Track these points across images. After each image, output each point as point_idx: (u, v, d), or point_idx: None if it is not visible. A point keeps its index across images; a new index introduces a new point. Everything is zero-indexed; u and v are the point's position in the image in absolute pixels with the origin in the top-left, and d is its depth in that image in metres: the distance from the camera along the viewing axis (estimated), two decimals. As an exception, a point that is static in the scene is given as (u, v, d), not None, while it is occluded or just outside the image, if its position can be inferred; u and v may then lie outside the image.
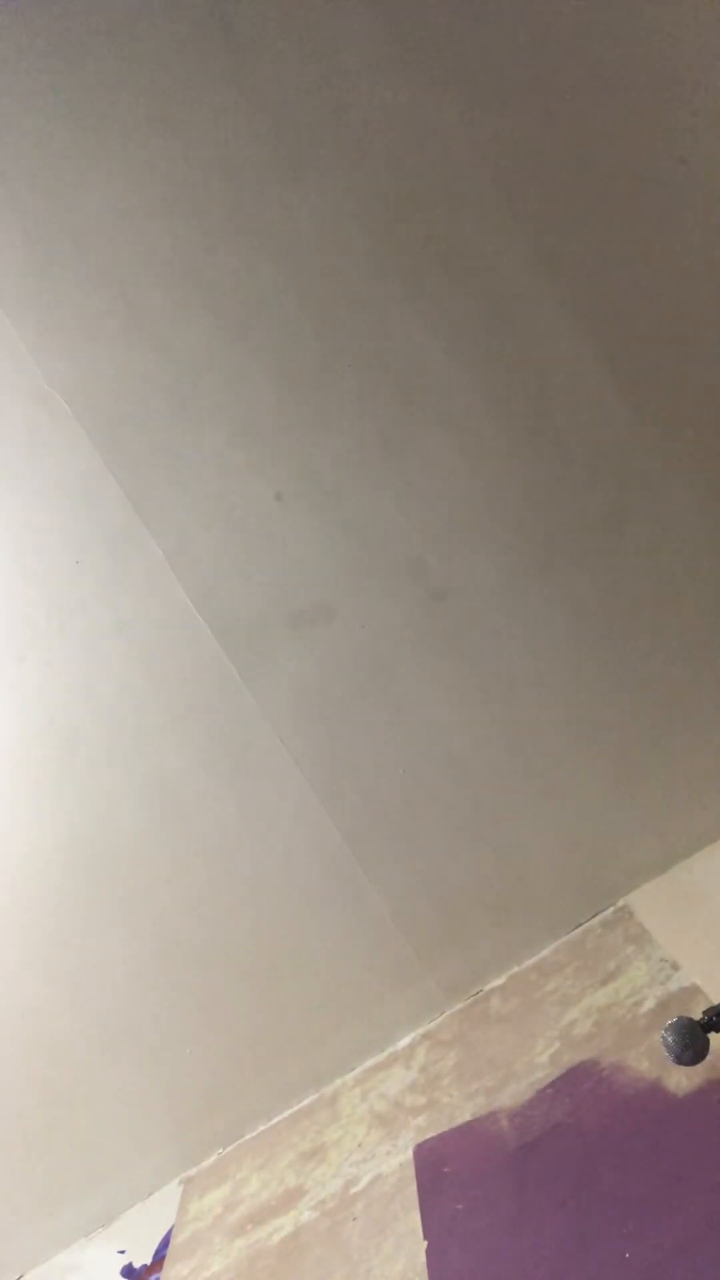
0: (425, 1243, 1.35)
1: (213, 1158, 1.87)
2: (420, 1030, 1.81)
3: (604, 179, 1.66)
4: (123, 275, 1.67)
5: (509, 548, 1.71)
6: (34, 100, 1.64)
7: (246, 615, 1.73)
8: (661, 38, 1.64)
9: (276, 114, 1.65)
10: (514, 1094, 1.50)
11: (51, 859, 1.79)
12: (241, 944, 1.80)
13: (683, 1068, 1.30)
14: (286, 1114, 1.85)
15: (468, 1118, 1.52)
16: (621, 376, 1.68)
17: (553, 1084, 1.46)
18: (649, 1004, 1.48)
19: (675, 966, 1.52)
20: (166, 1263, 1.67)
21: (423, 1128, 1.56)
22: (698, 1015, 1.31)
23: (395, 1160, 1.54)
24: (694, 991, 1.44)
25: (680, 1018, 1.28)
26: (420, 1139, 1.54)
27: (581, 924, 1.78)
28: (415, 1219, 1.40)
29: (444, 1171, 1.45)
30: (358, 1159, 1.60)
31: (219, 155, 1.66)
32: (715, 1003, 1.36)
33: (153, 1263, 1.70)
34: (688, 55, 1.65)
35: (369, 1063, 1.82)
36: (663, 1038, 1.28)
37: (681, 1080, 1.31)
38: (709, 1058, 1.27)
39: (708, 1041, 1.26)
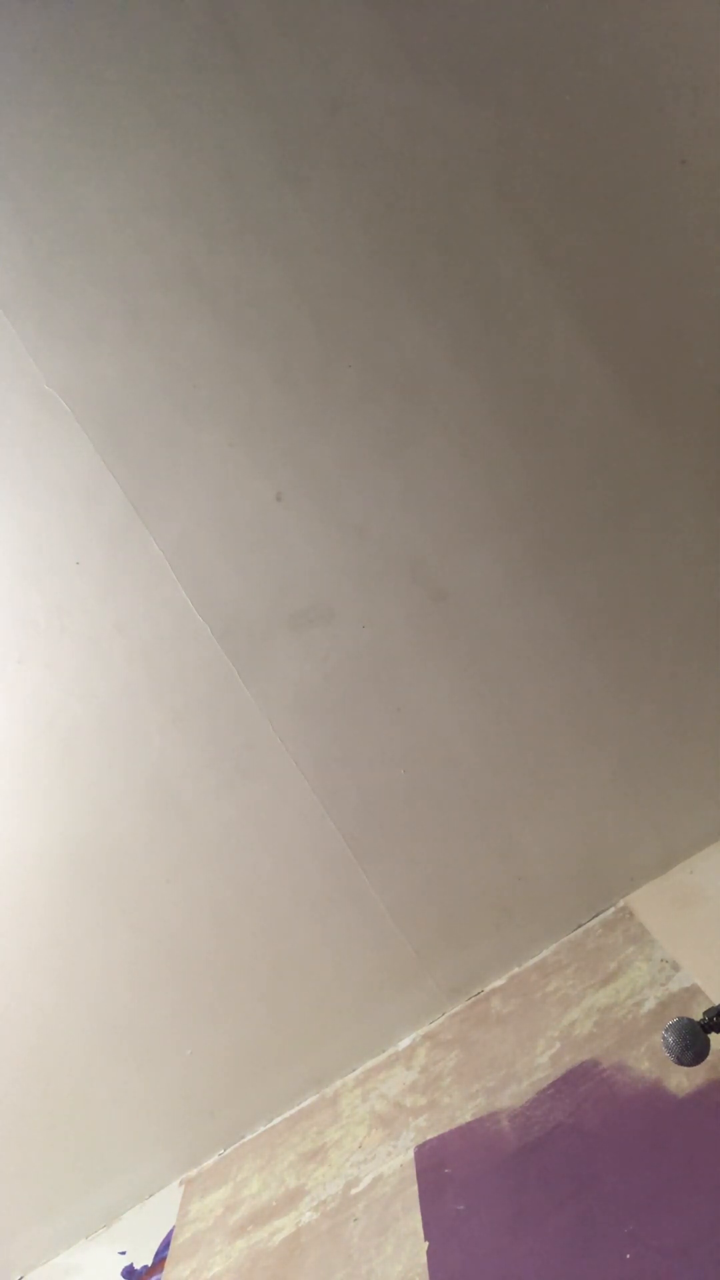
0: (426, 1243, 1.34)
1: (213, 1159, 1.87)
2: (421, 1031, 1.81)
3: (604, 179, 1.66)
4: (123, 275, 1.67)
5: (509, 548, 1.71)
6: (34, 101, 1.64)
7: (246, 615, 1.73)
8: (661, 38, 1.64)
9: (276, 114, 1.65)
10: (515, 1095, 1.50)
11: (51, 859, 1.79)
12: (242, 944, 1.80)
13: (683, 1068, 1.30)
14: (287, 1115, 1.84)
15: (468, 1118, 1.51)
16: (621, 376, 1.68)
17: (553, 1084, 1.46)
18: (649, 1004, 1.48)
19: (676, 967, 1.52)
20: (167, 1264, 1.67)
21: (423, 1128, 1.56)
22: (698, 1016, 1.31)
23: (396, 1161, 1.54)
24: (694, 992, 1.44)
25: (681, 1018, 1.28)
26: (421, 1140, 1.54)
27: (582, 924, 1.78)
28: (416, 1220, 1.40)
29: (445, 1172, 1.45)
30: (358, 1160, 1.60)
31: (219, 155, 1.66)
32: (716, 1003, 1.35)
33: (154, 1264, 1.69)
34: (687, 55, 1.65)
35: (370, 1063, 1.82)
36: (663, 1038, 1.28)
37: (682, 1081, 1.31)
38: (709, 1058, 1.27)
39: (708, 1042, 1.26)
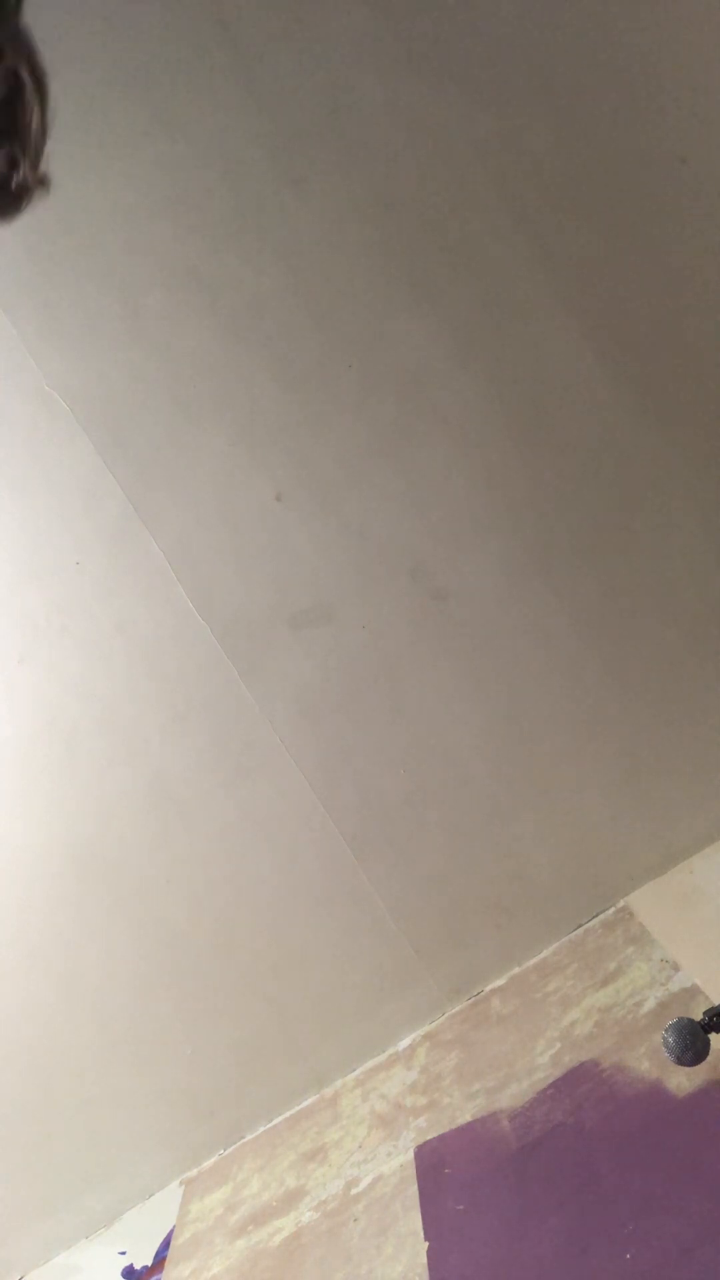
0: (426, 1244, 1.34)
1: (213, 1159, 1.86)
2: (421, 1031, 1.81)
3: (604, 179, 1.66)
4: (123, 275, 1.67)
5: (509, 548, 1.71)
6: (34, 100, 1.64)
7: (246, 615, 1.73)
8: (661, 38, 1.64)
9: (276, 114, 1.65)
10: (515, 1094, 1.50)
11: (51, 859, 1.79)
12: (241, 944, 1.80)
13: (683, 1068, 1.30)
14: (287, 1115, 1.84)
15: (468, 1118, 1.51)
16: (621, 376, 1.68)
17: (553, 1084, 1.46)
18: (650, 1004, 1.48)
19: (676, 967, 1.52)
20: (167, 1264, 1.67)
21: (423, 1128, 1.56)
22: (698, 1016, 1.31)
23: (396, 1161, 1.54)
24: (694, 992, 1.44)
25: (681, 1018, 1.27)
26: (421, 1140, 1.54)
27: (582, 924, 1.78)
28: (416, 1220, 1.40)
29: (445, 1172, 1.45)
30: (358, 1160, 1.60)
31: (219, 155, 1.66)
32: (716, 1003, 1.35)
33: (154, 1264, 1.69)
34: (687, 55, 1.65)
35: (370, 1063, 1.82)
36: (663, 1038, 1.28)
37: (682, 1081, 1.31)
38: (709, 1059, 1.27)
39: (708, 1042, 1.26)
